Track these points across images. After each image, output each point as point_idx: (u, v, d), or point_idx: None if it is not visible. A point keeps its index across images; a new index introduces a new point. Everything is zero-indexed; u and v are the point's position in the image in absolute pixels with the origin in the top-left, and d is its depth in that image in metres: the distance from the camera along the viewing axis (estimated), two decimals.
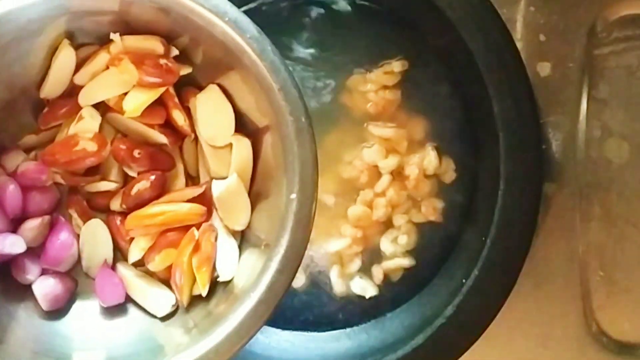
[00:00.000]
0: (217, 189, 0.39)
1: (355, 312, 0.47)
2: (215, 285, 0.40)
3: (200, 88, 0.40)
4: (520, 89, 0.43)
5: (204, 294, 0.39)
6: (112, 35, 0.39)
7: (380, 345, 0.45)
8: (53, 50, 0.39)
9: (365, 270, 0.47)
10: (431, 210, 0.47)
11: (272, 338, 0.47)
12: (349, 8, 0.47)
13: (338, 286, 0.47)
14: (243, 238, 0.41)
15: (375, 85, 0.47)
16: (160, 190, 0.41)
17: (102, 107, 0.41)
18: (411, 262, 0.47)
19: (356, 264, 0.47)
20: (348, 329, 0.47)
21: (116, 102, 0.40)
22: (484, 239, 0.43)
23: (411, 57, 0.47)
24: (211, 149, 0.40)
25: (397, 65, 0.47)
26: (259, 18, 0.47)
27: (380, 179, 0.47)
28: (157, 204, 0.40)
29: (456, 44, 0.44)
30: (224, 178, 0.40)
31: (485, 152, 0.46)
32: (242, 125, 0.40)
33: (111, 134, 0.41)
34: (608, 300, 0.47)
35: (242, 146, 0.40)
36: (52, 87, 0.40)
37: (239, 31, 0.37)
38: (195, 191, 0.40)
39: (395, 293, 0.47)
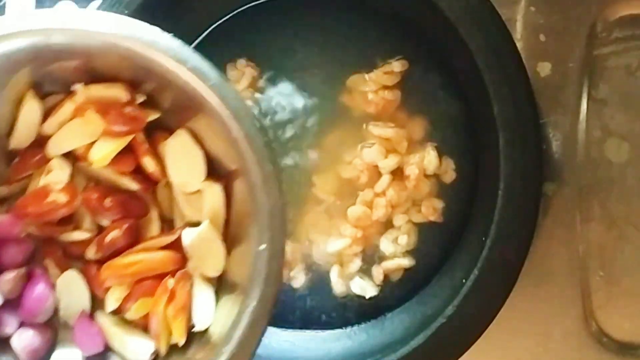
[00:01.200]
0: (188, 237, 0.39)
1: (355, 312, 0.47)
2: (193, 333, 0.39)
3: (172, 131, 0.40)
4: (520, 89, 0.43)
5: (181, 343, 0.39)
6: (75, 86, 0.38)
7: (380, 345, 0.45)
8: (19, 101, 0.39)
9: (365, 270, 0.47)
10: (431, 210, 0.47)
11: (272, 338, 0.47)
12: (349, 8, 0.47)
13: (338, 286, 0.47)
14: (220, 282, 0.40)
15: (375, 85, 0.47)
16: (134, 238, 0.40)
17: (73, 155, 0.40)
18: (411, 262, 0.47)
19: (356, 264, 0.47)
20: (348, 329, 0.47)
21: (84, 151, 0.39)
22: (484, 239, 0.43)
23: (411, 57, 0.47)
24: (183, 194, 0.40)
25: (397, 65, 0.47)
26: (258, 18, 0.48)
27: (380, 179, 0.47)
28: (131, 253, 0.39)
29: (456, 44, 0.44)
30: (199, 222, 0.39)
31: (485, 152, 0.46)
32: (215, 167, 0.39)
33: (84, 181, 0.40)
34: (608, 300, 0.47)
35: (213, 192, 0.39)
36: (20, 138, 0.39)
37: (200, 79, 0.36)
38: (169, 238, 0.40)
39: (395, 293, 0.47)
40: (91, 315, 0.40)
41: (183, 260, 0.39)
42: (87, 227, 0.40)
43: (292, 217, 0.48)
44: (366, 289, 0.47)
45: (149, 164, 0.40)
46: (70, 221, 0.41)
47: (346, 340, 0.47)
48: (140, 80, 0.38)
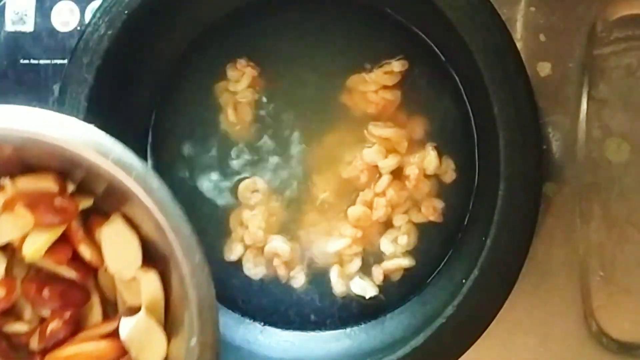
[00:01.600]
0: (125, 328, 0.38)
1: (355, 312, 0.47)
2: None
3: (108, 215, 0.39)
4: (520, 89, 0.43)
5: None
6: (2, 181, 0.38)
7: (380, 345, 0.45)
8: None
9: (365, 270, 0.47)
10: (431, 210, 0.47)
11: (272, 338, 0.47)
12: (349, 8, 0.47)
13: (338, 286, 0.47)
14: None
15: (375, 85, 0.47)
16: (76, 326, 0.39)
17: (10, 246, 0.39)
18: (411, 262, 0.47)
19: (356, 264, 0.47)
20: (348, 329, 0.47)
21: (20, 243, 0.38)
22: (484, 239, 0.43)
23: (411, 57, 0.47)
24: (122, 281, 0.39)
25: (397, 65, 0.47)
26: (259, 18, 0.48)
27: (380, 179, 0.47)
28: (72, 343, 0.39)
29: (456, 44, 0.44)
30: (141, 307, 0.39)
31: (485, 152, 0.46)
32: (152, 251, 0.39)
33: (24, 270, 0.40)
34: (608, 300, 0.47)
35: (149, 280, 0.38)
36: None
37: (124, 170, 0.36)
38: (110, 327, 0.39)
39: (395, 293, 0.47)
40: None
41: (125, 347, 0.39)
42: (29, 318, 0.40)
43: (292, 217, 0.48)
44: (366, 289, 0.47)
45: (85, 251, 0.39)
46: (12, 312, 0.40)
47: (346, 340, 0.47)
48: (70, 169, 0.38)
